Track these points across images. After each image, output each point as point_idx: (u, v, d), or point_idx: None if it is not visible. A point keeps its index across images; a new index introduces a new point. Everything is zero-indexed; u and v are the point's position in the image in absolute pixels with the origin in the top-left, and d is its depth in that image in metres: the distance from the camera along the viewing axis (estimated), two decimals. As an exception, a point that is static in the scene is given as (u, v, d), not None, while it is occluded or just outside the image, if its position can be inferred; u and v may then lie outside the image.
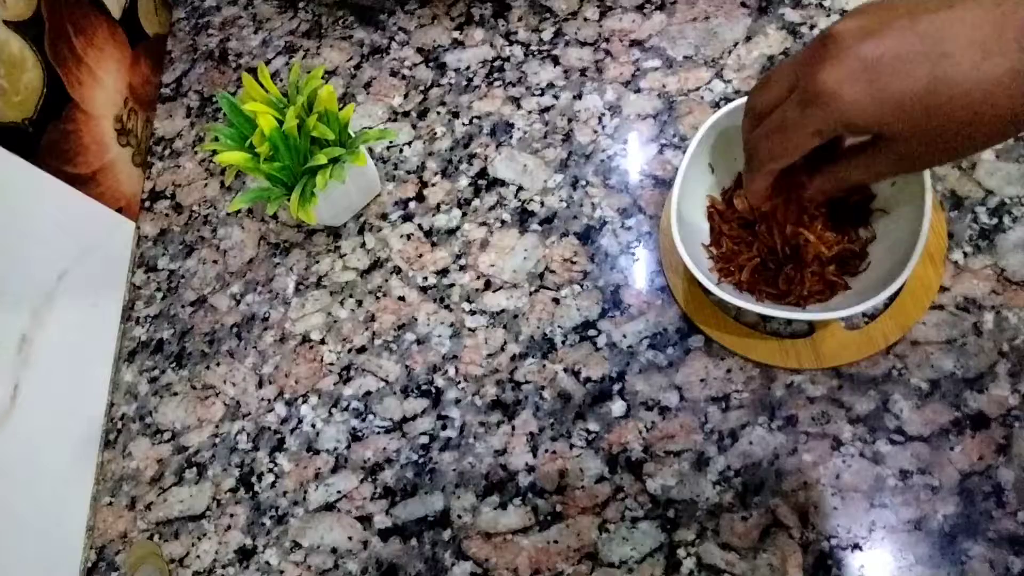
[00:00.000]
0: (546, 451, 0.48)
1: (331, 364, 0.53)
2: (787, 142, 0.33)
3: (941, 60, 0.28)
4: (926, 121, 0.29)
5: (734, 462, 0.45)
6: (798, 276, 0.44)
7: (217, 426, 0.53)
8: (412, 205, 0.57)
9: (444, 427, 0.50)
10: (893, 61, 0.29)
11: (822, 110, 0.31)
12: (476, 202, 0.56)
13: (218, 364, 0.55)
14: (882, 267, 0.42)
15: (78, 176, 0.55)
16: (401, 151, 0.59)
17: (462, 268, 0.54)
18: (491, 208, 0.55)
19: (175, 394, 0.55)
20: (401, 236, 0.56)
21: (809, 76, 0.31)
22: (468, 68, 0.60)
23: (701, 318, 0.48)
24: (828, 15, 0.54)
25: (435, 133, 0.59)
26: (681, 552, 0.44)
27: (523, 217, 0.54)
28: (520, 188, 0.55)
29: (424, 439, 0.50)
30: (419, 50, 0.62)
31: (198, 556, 0.50)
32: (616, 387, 0.48)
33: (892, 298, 0.45)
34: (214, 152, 0.60)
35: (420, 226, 0.56)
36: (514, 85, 0.59)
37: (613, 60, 0.58)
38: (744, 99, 0.44)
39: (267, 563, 0.49)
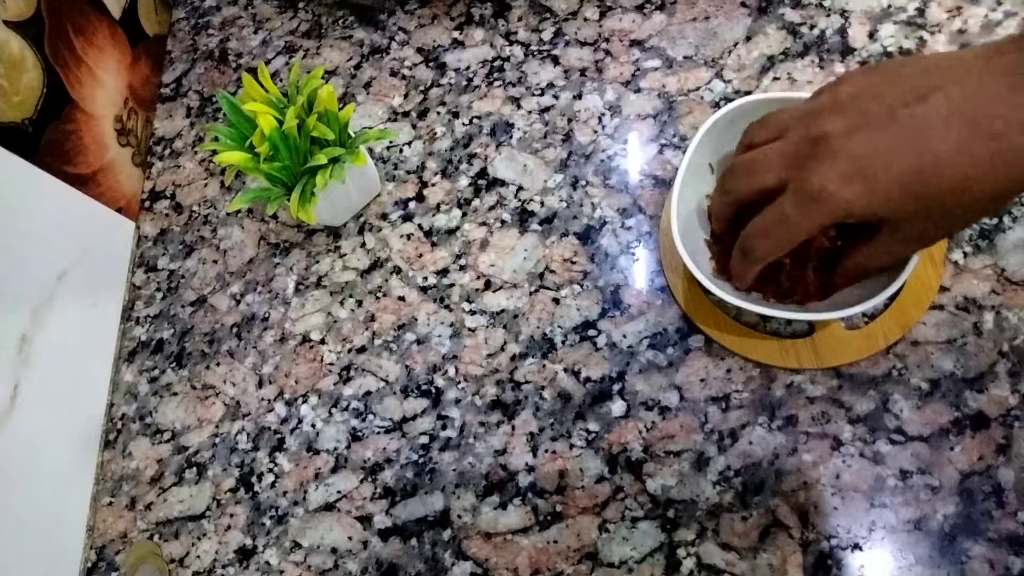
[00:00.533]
0: (546, 451, 0.48)
1: (331, 364, 0.53)
2: (787, 237, 0.35)
3: (924, 152, 0.30)
4: (923, 204, 0.31)
5: (734, 462, 0.45)
6: (799, 273, 0.44)
7: (217, 426, 0.53)
8: (412, 205, 0.57)
9: (444, 427, 0.50)
10: (881, 155, 0.31)
11: (822, 208, 0.33)
12: (476, 202, 0.56)
13: (218, 364, 0.55)
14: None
15: (78, 176, 0.55)
16: (401, 151, 0.59)
17: (462, 268, 0.54)
18: (491, 208, 0.55)
19: (175, 394, 0.55)
20: (401, 236, 0.56)
21: (804, 178, 0.33)
22: (468, 68, 0.61)
23: (701, 318, 0.48)
24: (828, 15, 0.54)
25: (435, 133, 0.59)
26: (681, 552, 0.44)
27: (523, 217, 0.54)
28: (520, 188, 0.55)
29: (424, 439, 0.50)
30: (419, 50, 0.62)
31: (198, 556, 0.50)
32: (616, 387, 0.48)
33: (892, 298, 0.45)
34: (214, 152, 0.60)
35: (420, 226, 0.56)
36: (514, 85, 0.59)
37: (613, 60, 0.58)
38: (743, 99, 0.44)
39: (267, 563, 0.49)
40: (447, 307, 0.53)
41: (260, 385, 0.54)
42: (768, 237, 0.36)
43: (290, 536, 0.49)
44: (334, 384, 0.53)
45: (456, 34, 0.62)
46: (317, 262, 0.57)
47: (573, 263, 0.52)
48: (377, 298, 0.54)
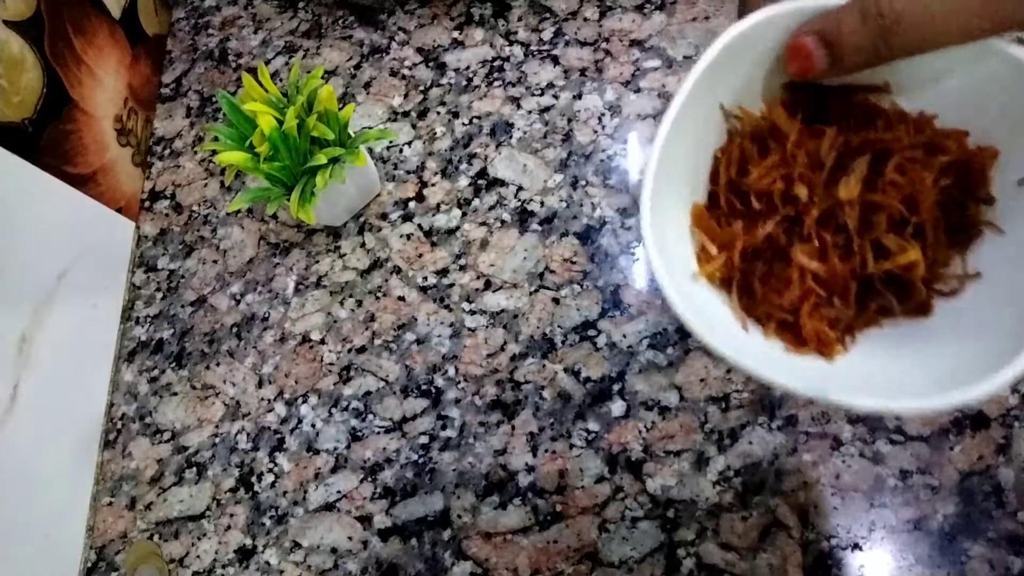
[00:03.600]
0: (546, 451, 0.48)
1: (331, 364, 0.53)
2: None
3: None
4: None
5: (734, 462, 0.45)
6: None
7: (217, 426, 0.53)
8: (412, 205, 0.57)
9: (444, 427, 0.50)
10: None
11: None
12: (476, 202, 0.56)
13: (218, 364, 0.55)
14: (988, 329, 0.24)
15: (78, 176, 0.55)
16: (401, 151, 0.59)
17: (462, 268, 0.54)
18: (491, 208, 0.55)
19: (175, 394, 0.55)
20: (401, 236, 0.56)
21: None
22: (468, 68, 0.60)
23: (701, 318, 0.47)
24: (828, 15, 0.54)
25: (435, 133, 0.59)
26: (681, 552, 0.44)
27: (523, 217, 0.54)
28: (520, 188, 0.55)
29: (424, 439, 0.50)
30: (419, 50, 0.62)
31: (198, 556, 0.50)
32: (616, 387, 0.48)
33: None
34: (214, 152, 0.60)
35: (420, 226, 0.56)
36: (514, 85, 0.59)
37: (613, 60, 0.58)
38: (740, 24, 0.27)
39: (267, 563, 0.49)
40: (447, 307, 0.53)
41: (260, 385, 0.54)
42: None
43: (290, 536, 0.49)
44: (334, 384, 0.53)
45: (456, 34, 0.62)
46: (317, 262, 0.57)
47: (573, 263, 0.52)
48: (377, 298, 0.54)
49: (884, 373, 0.26)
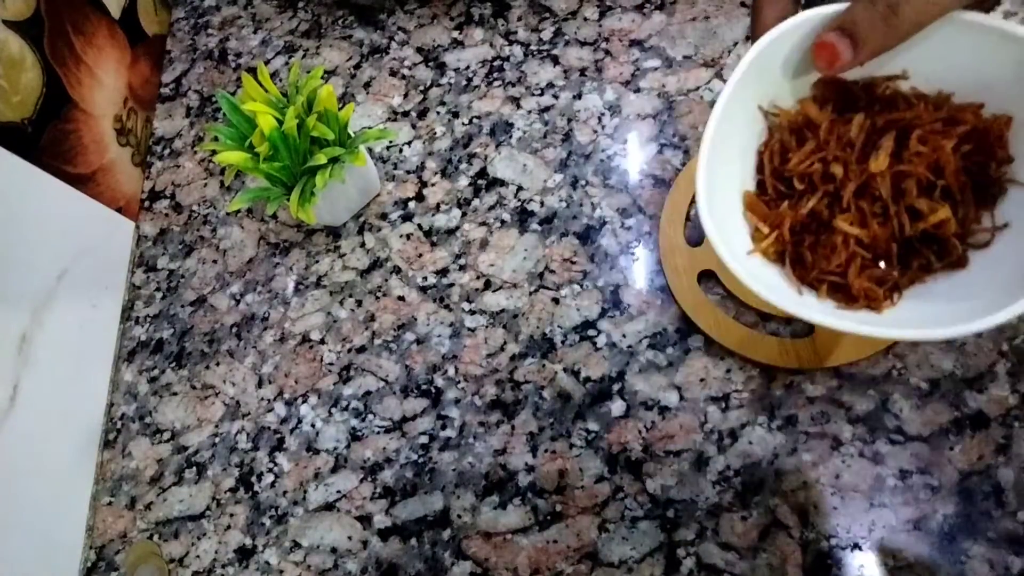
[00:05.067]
0: (546, 451, 0.48)
1: (331, 364, 0.53)
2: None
3: None
4: None
5: (734, 462, 0.45)
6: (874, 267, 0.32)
7: (217, 426, 0.53)
8: (412, 205, 0.57)
9: (444, 427, 0.50)
10: None
11: None
12: (476, 202, 0.56)
13: (218, 364, 0.55)
14: (1012, 267, 0.30)
15: (78, 176, 0.55)
16: (401, 151, 0.59)
17: (462, 268, 0.54)
18: (491, 208, 0.55)
19: (175, 394, 0.55)
20: (401, 236, 0.56)
21: None
22: (468, 68, 0.60)
23: (701, 318, 0.48)
24: (828, 15, 0.54)
25: (435, 133, 0.59)
26: (681, 552, 0.44)
27: (523, 217, 0.54)
28: (520, 188, 0.55)
29: (424, 439, 0.50)
30: (419, 50, 0.62)
31: (198, 556, 0.50)
32: (616, 387, 0.48)
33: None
34: (214, 152, 0.60)
35: (420, 226, 0.56)
36: (514, 85, 0.59)
37: (613, 60, 0.58)
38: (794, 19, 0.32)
39: (267, 563, 0.49)
40: (447, 307, 0.53)
41: (260, 385, 0.54)
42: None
43: (290, 536, 0.49)
44: (334, 384, 0.53)
45: (456, 34, 0.62)
46: (317, 262, 0.57)
47: (573, 263, 0.52)
48: (377, 298, 0.54)
49: (930, 317, 0.30)
